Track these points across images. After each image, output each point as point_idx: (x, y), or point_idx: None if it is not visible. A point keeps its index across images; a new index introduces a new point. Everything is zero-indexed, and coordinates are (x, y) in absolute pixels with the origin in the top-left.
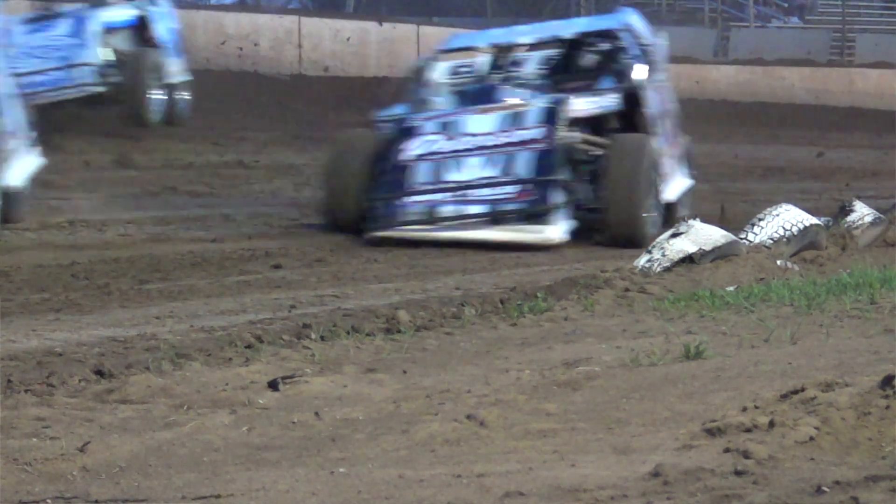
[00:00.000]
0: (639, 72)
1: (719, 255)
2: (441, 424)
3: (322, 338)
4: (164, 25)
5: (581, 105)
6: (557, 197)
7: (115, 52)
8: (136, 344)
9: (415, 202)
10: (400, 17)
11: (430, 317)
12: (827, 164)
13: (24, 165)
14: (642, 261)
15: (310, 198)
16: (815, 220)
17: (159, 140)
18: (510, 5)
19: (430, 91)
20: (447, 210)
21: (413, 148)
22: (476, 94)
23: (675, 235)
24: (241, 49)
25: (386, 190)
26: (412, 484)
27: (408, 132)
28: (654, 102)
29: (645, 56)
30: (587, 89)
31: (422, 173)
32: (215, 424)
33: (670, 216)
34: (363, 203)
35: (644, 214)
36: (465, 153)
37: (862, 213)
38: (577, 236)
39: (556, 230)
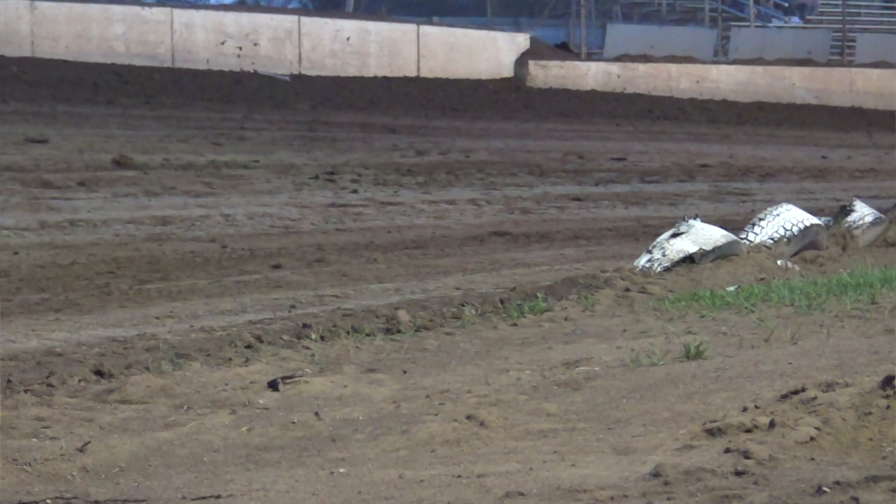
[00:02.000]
0: None
1: (720, 255)
2: (441, 424)
3: (322, 338)
4: None
5: None
6: None
7: None
8: (136, 344)
9: None
10: (400, 17)
11: (430, 317)
12: (827, 164)
13: None
14: (642, 261)
15: (310, 197)
16: (815, 220)
17: (159, 140)
18: (510, 5)
19: None
20: None
21: None
22: None
23: (675, 235)
24: (240, 49)
25: None
26: (412, 484)
27: None
28: None
29: None
30: None
31: None
32: (215, 424)
33: None
34: None
35: None
36: None
37: (862, 213)
38: (579, 236)
39: None
